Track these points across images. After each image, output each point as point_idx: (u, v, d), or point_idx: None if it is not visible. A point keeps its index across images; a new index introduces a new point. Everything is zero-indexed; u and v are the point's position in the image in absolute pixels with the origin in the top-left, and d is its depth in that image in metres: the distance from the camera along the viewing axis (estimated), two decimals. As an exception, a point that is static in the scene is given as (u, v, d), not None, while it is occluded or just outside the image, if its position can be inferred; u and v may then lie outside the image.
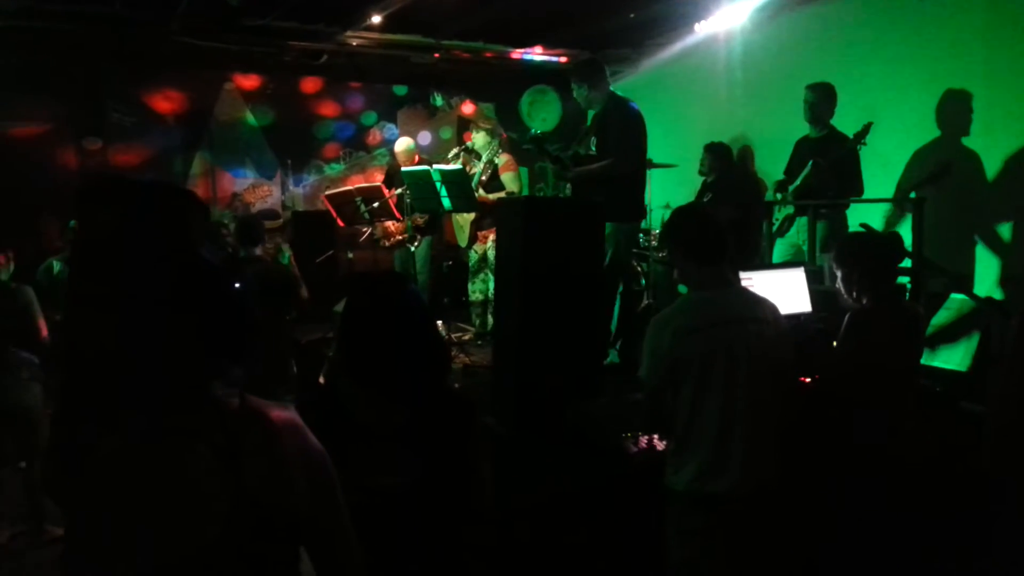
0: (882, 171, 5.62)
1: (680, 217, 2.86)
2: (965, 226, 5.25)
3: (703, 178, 6.59)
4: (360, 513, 1.87)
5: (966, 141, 5.23)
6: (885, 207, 5.64)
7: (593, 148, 4.98)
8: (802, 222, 5.30)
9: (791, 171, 5.46)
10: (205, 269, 1.23)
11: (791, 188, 5.31)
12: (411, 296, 1.99)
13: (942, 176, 5.06)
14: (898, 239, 3.16)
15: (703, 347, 2.55)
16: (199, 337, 1.21)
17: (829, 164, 5.06)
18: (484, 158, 6.00)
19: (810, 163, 5.14)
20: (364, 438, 1.89)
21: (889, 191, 5.57)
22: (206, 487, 1.18)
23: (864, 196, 5.30)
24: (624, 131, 4.89)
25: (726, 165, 6.53)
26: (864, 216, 5.34)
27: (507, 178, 6.12)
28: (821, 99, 5.34)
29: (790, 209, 5.40)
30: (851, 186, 5.19)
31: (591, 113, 5.25)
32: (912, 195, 5.23)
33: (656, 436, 3.46)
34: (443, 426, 1.95)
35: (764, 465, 2.61)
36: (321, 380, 5.33)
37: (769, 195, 5.59)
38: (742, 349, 2.56)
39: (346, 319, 1.94)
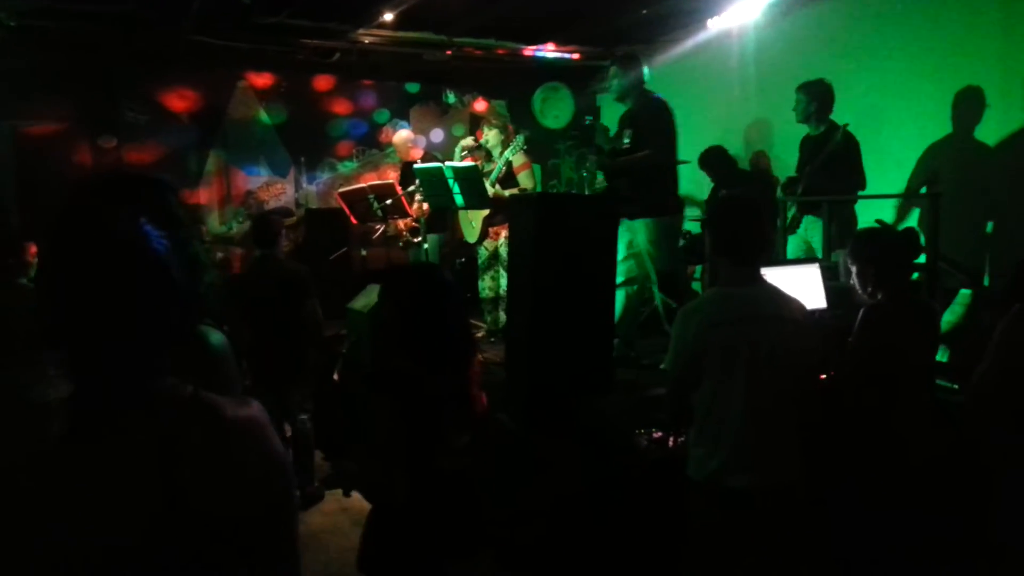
0: (897, 167, 5.60)
1: (723, 208, 2.78)
2: (978, 221, 5.21)
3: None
4: (446, 476, 2.05)
5: (979, 136, 5.19)
6: (897, 203, 5.60)
7: (627, 141, 4.98)
8: (808, 219, 5.28)
9: (802, 169, 5.46)
10: (148, 256, 1.13)
11: (798, 192, 5.30)
12: (450, 281, 2.28)
13: (932, 185, 5.03)
14: (913, 235, 3.14)
15: (727, 341, 2.54)
16: (137, 326, 1.13)
17: (821, 163, 5.07)
18: (506, 156, 5.97)
19: (807, 166, 5.16)
20: (443, 407, 2.10)
21: (904, 187, 5.54)
22: (133, 484, 1.09)
23: (878, 192, 5.27)
24: (659, 124, 4.96)
25: (724, 165, 6.49)
26: (877, 212, 5.32)
27: (522, 176, 6.12)
28: (809, 99, 5.34)
29: (792, 210, 5.37)
30: (852, 181, 5.19)
31: (601, 109, 5.27)
32: (923, 190, 5.22)
33: (670, 433, 3.45)
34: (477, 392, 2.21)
35: (785, 462, 2.60)
36: (335, 376, 5.36)
37: (780, 194, 5.58)
38: (766, 345, 2.55)
39: (398, 305, 2.19)
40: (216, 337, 1.64)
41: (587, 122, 5.40)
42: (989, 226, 5.22)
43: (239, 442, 1.17)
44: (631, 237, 5.04)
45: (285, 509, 1.23)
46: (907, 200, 5.51)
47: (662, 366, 4.91)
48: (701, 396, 2.60)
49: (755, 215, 2.66)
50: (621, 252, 5.13)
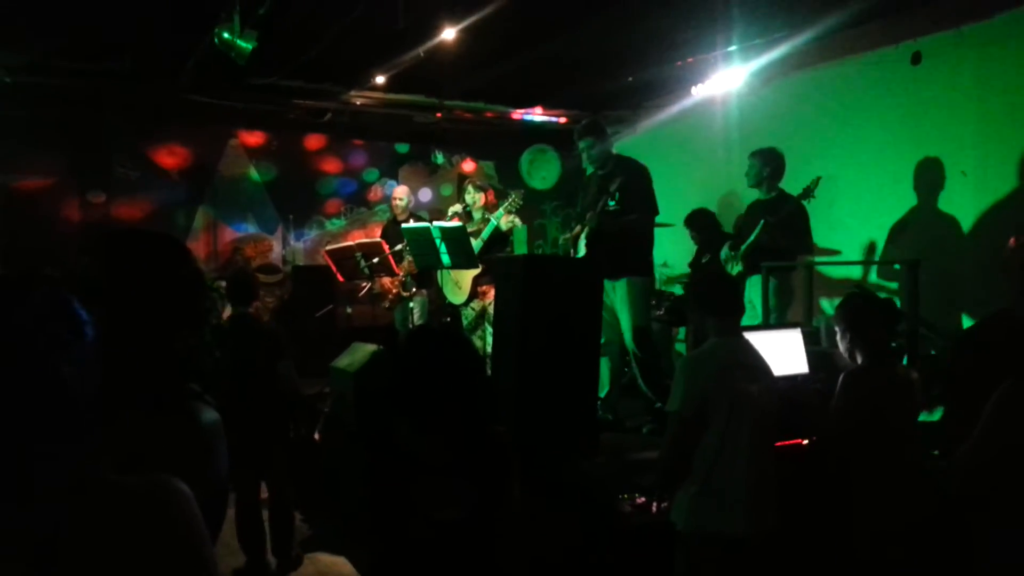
0: (876, 231, 5.71)
1: (703, 277, 3.31)
2: (955, 288, 5.28)
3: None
4: (425, 546, 2.02)
5: (953, 204, 5.30)
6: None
7: (612, 204, 5.04)
8: (752, 280, 5.34)
9: (741, 232, 5.54)
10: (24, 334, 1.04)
11: (743, 247, 5.36)
12: (464, 346, 2.22)
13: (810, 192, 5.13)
14: (891, 303, 3.21)
15: (737, 384, 2.72)
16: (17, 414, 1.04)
17: (777, 222, 5.16)
18: (499, 213, 6.02)
19: (761, 222, 5.23)
20: (425, 474, 2.04)
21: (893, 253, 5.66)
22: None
23: (852, 257, 5.36)
24: (648, 188, 5.10)
25: (710, 227, 6.58)
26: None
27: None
28: (760, 165, 5.49)
29: (739, 267, 5.42)
30: (800, 244, 5.31)
31: (588, 170, 5.38)
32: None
33: (653, 498, 3.43)
34: (491, 462, 2.14)
35: (772, 508, 2.76)
36: (316, 436, 5.30)
37: (724, 253, 5.64)
38: (765, 390, 2.79)
39: (406, 369, 2.13)
40: (208, 416, 1.61)
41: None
42: (965, 292, 5.28)
43: (135, 520, 1.08)
44: (609, 297, 5.05)
45: None
46: (882, 266, 5.60)
47: (644, 430, 4.91)
48: (709, 440, 2.71)
49: (732, 280, 3.27)
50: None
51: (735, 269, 5.44)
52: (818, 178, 5.06)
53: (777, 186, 5.49)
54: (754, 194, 5.68)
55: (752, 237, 5.27)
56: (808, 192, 5.08)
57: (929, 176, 5.44)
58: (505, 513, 2.14)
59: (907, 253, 5.22)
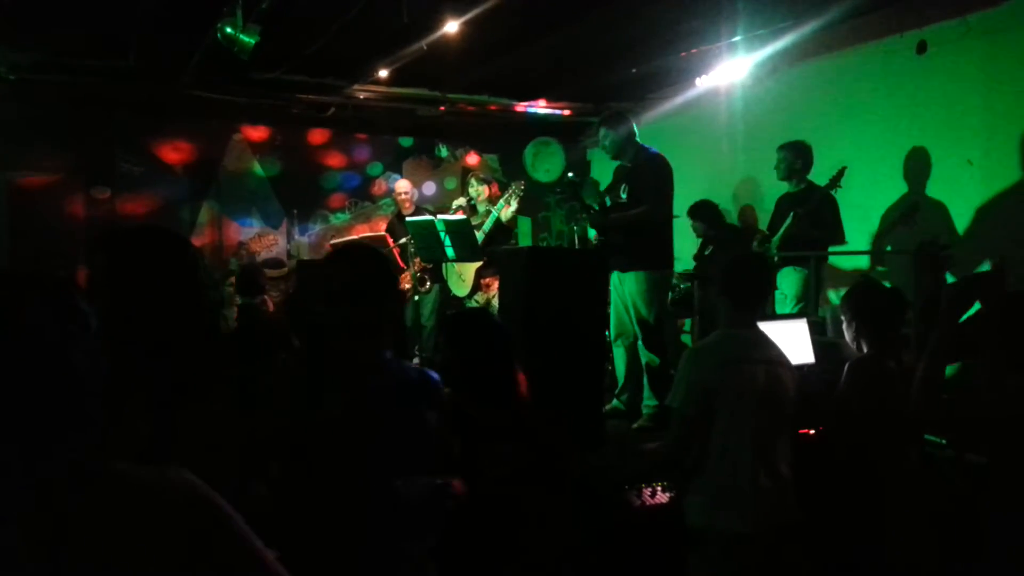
0: (878, 222, 5.70)
1: (738, 258, 3.15)
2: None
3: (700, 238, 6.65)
4: (491, 503, 2.26)
5: (962, 192, 5.27)
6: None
7: (624, 196, 4.94)
8: (783, 272, 5.36)
9: (773, 226, 5.53)
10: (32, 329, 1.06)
11: (774, 240, 5.36)
12: (502, 324, 2.64)
13: (910, 216, 5.16)
14: (899, 293, 3.19)
15: (741, 378, 2.66)
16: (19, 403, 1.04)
17: (807, 213, 5.16)
18: (499, 206, 6.02)
19: (791, 215, 5.23)
20: (486, 440, 2.35)
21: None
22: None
23: (858, 247, 5.36)
24: (657, 179, 4.91)
25: (713, 219, 6.55)
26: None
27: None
28: (791, 157, 5.49)
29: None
30: (832, 235, 5.30)
31: (591, 163, 5.36)
32: (888, 248, 5.33)
33: (660, 487, 3.44)
34: (537, 425, 2.49)
35: (787, 502, 2.71)
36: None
37: (754, 246, 5.64)
38: (771, 385, 2.70)
39: (456, 349, 2.55)
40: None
41: (569, 179, 5.35)
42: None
43: (150, 513, 1.08)
44: (621, 290, 4.96)
45: None
46: (883, 256, 5.61)
47: (634, 425, 4.83)
48: (713, 435, 2.67)
49: (766, 268, 3.18)
50: (613, 304, 5.08)
51: None
52: (843, 168, 5.06)
53: (806, 178, 5.49)
54: (766, 183, 5.66)
55: (783, 229, 5.26)
56: (834, 182, 5.12)
57: (935, 165, 5.43)
58: (556, 471, 2.45)
59: (913, 243, 5.20)
